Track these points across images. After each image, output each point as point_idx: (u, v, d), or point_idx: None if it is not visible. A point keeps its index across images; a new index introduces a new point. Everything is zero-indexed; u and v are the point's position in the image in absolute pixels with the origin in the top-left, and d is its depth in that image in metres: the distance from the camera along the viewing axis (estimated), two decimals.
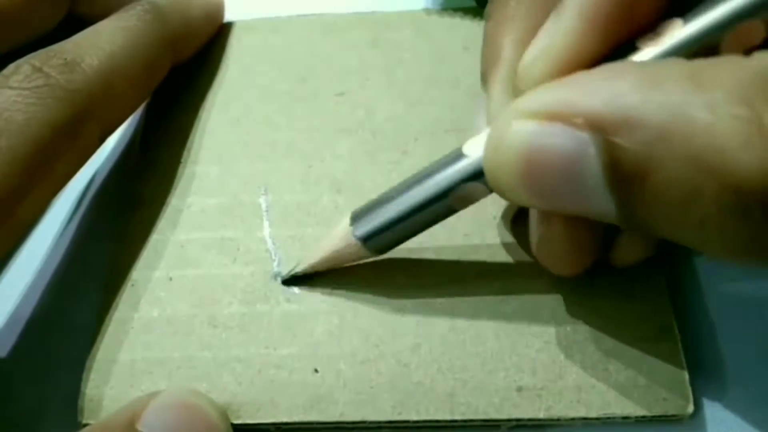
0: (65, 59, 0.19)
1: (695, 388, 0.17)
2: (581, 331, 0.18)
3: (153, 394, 0.17)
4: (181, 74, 0.24)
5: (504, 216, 0.20)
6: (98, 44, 0.20)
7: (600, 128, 0.13)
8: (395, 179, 0.21)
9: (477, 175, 0.16)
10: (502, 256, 0.20)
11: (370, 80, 0.24)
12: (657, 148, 0.12)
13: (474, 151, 0.17)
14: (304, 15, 0.26)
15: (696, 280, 0.20)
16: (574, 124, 0.13)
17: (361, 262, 0.19)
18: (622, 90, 0.13)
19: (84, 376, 0.18)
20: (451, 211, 0.18)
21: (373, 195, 0.21)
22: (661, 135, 0.12)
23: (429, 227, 0.18)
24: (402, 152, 0.22)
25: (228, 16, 0.26)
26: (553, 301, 0.19)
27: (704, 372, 0.18)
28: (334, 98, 0.24)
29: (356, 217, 0.19)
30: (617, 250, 0.18)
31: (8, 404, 0.19)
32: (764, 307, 0.19)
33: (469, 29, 0.25)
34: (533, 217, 0.18)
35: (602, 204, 0.14)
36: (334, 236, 0.19)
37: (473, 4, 0.26)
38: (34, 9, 0.22)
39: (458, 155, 0.17)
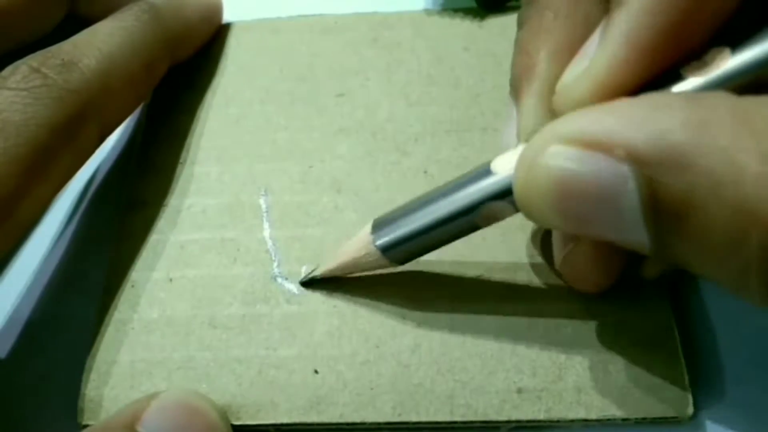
0: (63, 60, 0.19)
1: (695, 390, 0.17)
2: (581, 332, 0.18)
3: (153, 395, 0.17)
4: (180, 75, 0.24)
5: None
6: (96, 44, 0.20)
7: (642, 163, 0.13)
8: (395, 179, 0.22)
9: (505, 194, 0.16)
10: (503, 257, 0.20)
11: (370, 80, 0.24)
12: (702, 190, 0.12)
13: (503, 168, 0.16)
14: (304, 15, 0.26)
15: (696, 282, 0.20)
16: (615, 155, 0.13)
17: (379, 272, 0.19)
18: (667, 126, 0.12)
19: (84, 376, 0.18)
20: (474, 228, 0.17)
21: (373, 195, 0.21)
22: (708, 178, 0.12)
23: (450, 242, 0.18)
24: (402, 152, 0.22)
25: (227, 17, 0.26)
26: (554, 303, 0.19)
27: (704, 374, 0.18)
28: (334, 98, 0.24)
29: (378, 226, 0.18)
30: (648, 265, 0.18)
31: (8, 404, 0.19)
32: (764, 310, 0.19)
33: (469, 29, 0.25)
34: (557, 234, 0.18)
35: (637, 236, 0.14)
36: (354, 243, 0.19)
37: (473, 4, 0.26)
38: (34, 9, 0.22)
39: (486, 171, 0.16)
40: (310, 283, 0.20)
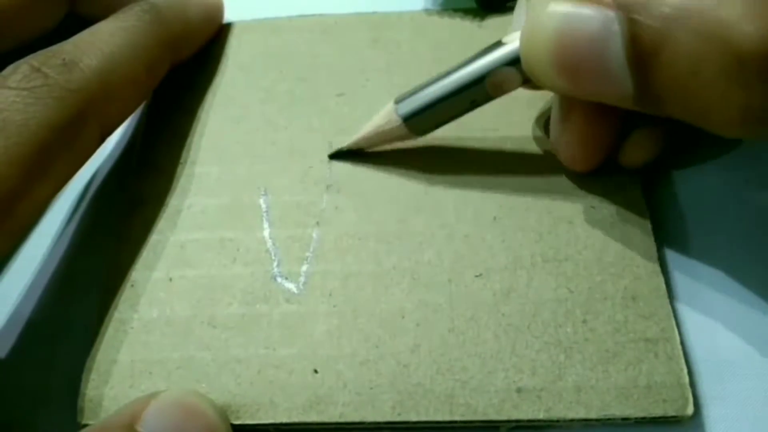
0: (64, 59, 0.19)
1: (695, 389, 0.17)
2: (581, 331, 0.18)
3: (153, 395, 0.17)
4: (181, 75, 0.24)
5: (503, 216, 0.20)
6: (97, 44, 0.20)
7: (624, 6, 0.15)
8: (395, 179, 0.21)
9: (512, 61, 0.18)
10: (503, 256, 0.20)
11: (370, 80, 0.24)
12: (671, 23, 0.14)
13: (512, 40, 0.18)
14: (304, 15, 0.26)
15: (696, 281, 0.20)
16: (603, 3, 0.15)
17: (402, 145, 0.21)
18: None
19: (84, 376, 0.18)
20: (487, 98, 0.19)
21: (373, 195, 0.21)
22: (676, 11, 0.14)
23: (467, 111, 0.20)
24: (401, 153, 0.22)
25: (228, 17, 0.26)
26: (553, 302, 0.19)
27: (704, 373, 0.18)
28: (334, 98, 0.24)
29: (400, 100, 0.20)
30: (626, 149, 0.20)
31: (8, 405, 0.19)
32: (765, 309, 0.19)
33: (469, 29, 0.25)
34: (554, 115, 0.20)
35: (623, 83, 0.16)
36: (379, 115, 0.21)
37: (473, 4, 0.26)
38: (34, 9, 0.22)
39: (497, 44, 0.19)
40: (339, 155, 0.22)
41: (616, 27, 0.15)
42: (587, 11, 0.16)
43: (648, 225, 0.20)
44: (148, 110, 0.24)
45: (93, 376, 0.18)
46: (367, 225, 0.21)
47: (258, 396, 0.18)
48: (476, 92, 0.19)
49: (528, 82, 0.19)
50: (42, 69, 0.18)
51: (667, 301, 0.19)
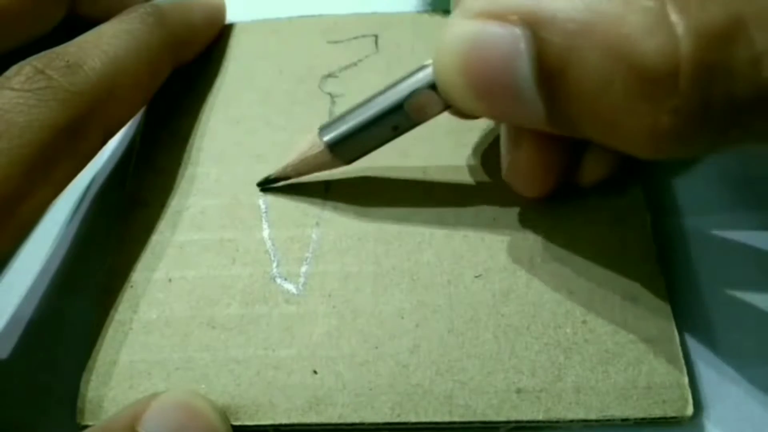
0: (67, 61, 0.19)
1: (694, 390, 0.17)
2: (580, 332, 0.18)
3: (153, 396, 0.17)
4: (181, 75, 0.24)
5: (503, 216, 0.20)
6: (101, 47, 0.20)
7: (530, 23, 0.14)
8: (395, 180, 0.21)
9: (432, 84, 0.18)
10: (502, 257, 0.20)
11: (370, 80, 0.24)
12: (576, 39, 0.14)
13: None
14: (304, 16, 0.26)
15: (696, 282, 0.20)
16: (509, 20, 0.15)
17: (330, 173, 0.21)
18: None
19: (83, 377, 0.18)
20: (411, 123, 0.19)
21: (372, 196, 0.21)
22: (580, 27, 0.14)
23: (392, 138, 0.19)
24: (401, 153, 0.22)
25: (228, 18, 0.26)
26: (553, 303, 0.19)
27: (704, 374, 0.18)
28: (334, 99, 0.24)
29: (324, 128, 0.20)
30: (584, 169, 0.20)
31: (8, 405, 0.19)
32: (764, 310, 0.19)
33: None
34: (503, 144, 0.20)
35: (534, 104, 0.15)
36: (303, 142, 0.20)
37: None
38: (34, 9, 0.22)
39: (420, 68, 0.18)
40: (266, 183, 0.21)
41: (522, 45, 0.14)
42: (495, 29, 0.15)
43: (648, 225, 0.20)
44: (148, 111, 0.24)
45: (92, 377, 0.18)
46: (366, 225, 0.21)
47: (257, 397, 0.18)
48: (397, 118, 0.19)
49: (451, 108, 0.18)
50: (45, 71, 0.18)
51: (667, 301, 0.18)
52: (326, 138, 0.20)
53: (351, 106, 0.20)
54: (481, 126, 0.22)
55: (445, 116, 0.23)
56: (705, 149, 0.15)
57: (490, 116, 0.17)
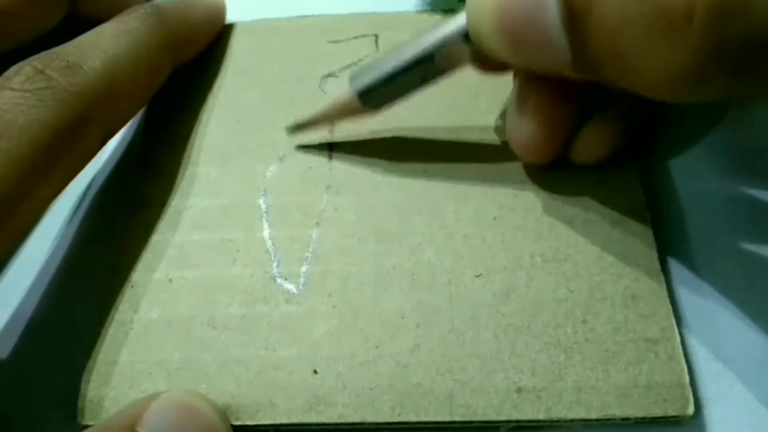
0: (67, 61, 0.19)
1: (695, 389, 0.17)
2: (581, 332, 0.18)
3: (153, 396, 0.17)
4: (181, 75, 0.24)
5: (503, 216, 0.20)
6: (101, 47, 0.20)
7: None
8: (394, 180, 0.22)
9: (462, 34, 0.18)
10: (502, 257, 0.20)
11: None
12: None
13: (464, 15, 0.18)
14: (304, 16, 0.26)
15: (696, 281, 0.20)
16: None
17: (358, 121, 0.21)
18: None
19: (84, 377, 0.18)
20: (437, 74, 0.19)
21: (372, 195, 0.21)
22: None
23: (419, 88, 0.20)
24: (402, 152, 0.22)
25: (228, 18, 0.26)
26: (553, 302, 0.19)
27: (704, 373, 0.18)
28: None
29: (354, 76, 0.21)
30: (578, 144, 0.20)
31: (8, 405, 0.19)
32: (765, 309, 0.19)
33: None
34: (511, 104, 0.20)
35: (560, 47, 0.16)
36: (335, 92, 0.21)
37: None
38: (34, 9, 0.22)
39: (449, 20, 0.19)
40: (296, 129, 0.22)
41: None
42: None
43: (648, 225, 0.20)
44: (148, 111, 0.24)
45: (93, 376, 0.18)
46: (366, 225, 0.21)
47: (258, 397, 0.18)
48: (427, 68, 0.19)
49: (478, 59, 0.19)
50: (45, 71, 0.18)
51: (667, 301, 0.18)
52: (356, 86, 0.20)
53: (380, 56, 0.20)
54: (481, 126, 0.22)
55: (445, 116, 0.23)
56: (720, 92, 0.15)
57: (519, 61, 0.18)
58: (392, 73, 0.20)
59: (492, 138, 0.22)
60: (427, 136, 0.22)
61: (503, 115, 0.22)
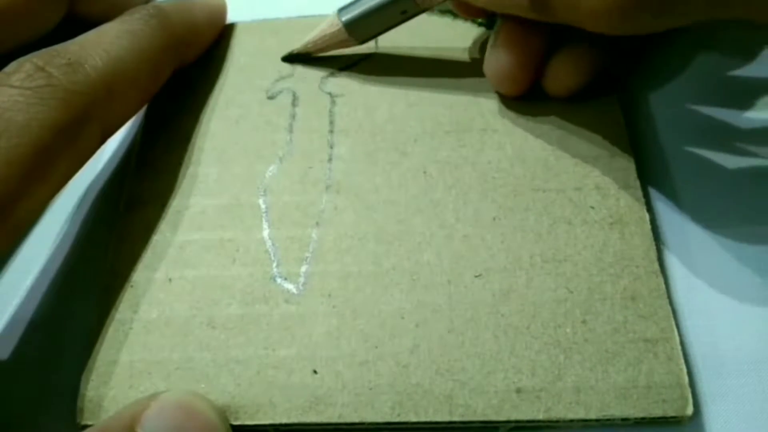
0: (69, 60, 0.19)
1: (694, 389, 0.17)
2: (580, 332, 0.18)
3: (152, 396, 0.17)
4: (181, 75, 0.24)
5: (503, 216, 0.20)
6: (103, 46, 0.20)
7: None
8: (394, 180, 0.22)
9: None
10: (502, 257, 0.20)
11: (370, 80, 0.24)
12: None
13: None
14: (304, 16, 0.26)
15: (695, 281, 0.20)
16: None
17: (347, 52, 0.24)
18: None
19: (83, 377, 0.18)
20: (417, 8, 0.22)
21: (372, 195, 0.21)
22: None
23: (400, 22, 0.23)
24: (401, 153, 0.22)
25: (229, 18, 0.26)
26: (552, 302, 0.19)
27: (703, 373, 0.18)
28: (334, 99, 0.24)
29: (342, 9, 0.23)
30: (549, 74, 0.22)
31: (8, 405, 0.19)
32: (764, 308, 0.19)
33: (469, 29, 0.25)
34: (488, 45, 0.22)
35: None
36: (324, 23, 0.24)
37: None
38: (34, 9, 0.22)
39: None
40: (290, 59, 0.25)
41: None
42: None
43: (647, 225, 0.20)
44: (148, 110, 0.24)
45: (93, 376, 0.18)
46: (366, 225, 0.21)
47: (257, 396, 0.18)
48: (406, 3, 0.22)
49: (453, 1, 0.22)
50: (46, 68, 0.18)
51: (667, 301, 0.18)
52: (343, 18, 0.23)
53: None
54: (481, 126, 0.22)
55: (446, 116, 0.23)
56: (649, 25, 0.18)
57: (485, 3, 0.20)
58: (375, 7, 0.22)
59: (492, 139, 0.22)
60: (427, 136, 0.22)
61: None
